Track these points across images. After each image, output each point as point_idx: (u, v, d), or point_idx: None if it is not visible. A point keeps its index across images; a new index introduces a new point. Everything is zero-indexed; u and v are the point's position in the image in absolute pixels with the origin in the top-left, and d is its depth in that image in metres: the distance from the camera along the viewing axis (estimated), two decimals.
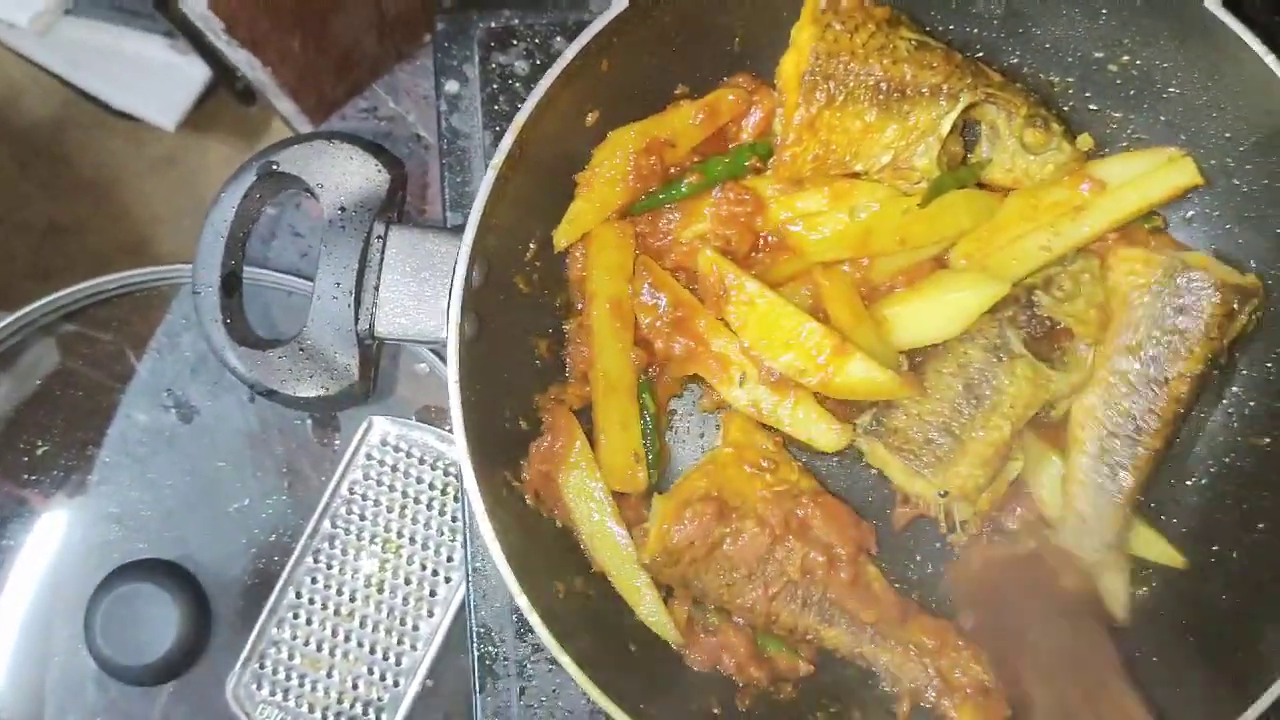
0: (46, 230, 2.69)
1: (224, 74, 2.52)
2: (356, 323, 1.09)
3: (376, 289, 1.10)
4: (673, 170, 1.23)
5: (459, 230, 1.10)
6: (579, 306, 1.25)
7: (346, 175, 1.10)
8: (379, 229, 1.10)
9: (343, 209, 1.10)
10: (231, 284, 1.10)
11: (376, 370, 1.14)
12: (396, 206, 1.13)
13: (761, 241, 1.25)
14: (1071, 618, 1.16)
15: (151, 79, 2.56)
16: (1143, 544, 1.22)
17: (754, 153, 1.24)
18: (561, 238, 1.21)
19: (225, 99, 2.60)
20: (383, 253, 1.11)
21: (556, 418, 1.19)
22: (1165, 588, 1.23)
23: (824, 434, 1.20)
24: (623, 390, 1.19)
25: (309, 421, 1.44)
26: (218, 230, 1.09)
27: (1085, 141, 1.23)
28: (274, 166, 1.10)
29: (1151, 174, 1.21)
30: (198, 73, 2.54)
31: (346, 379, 1.10)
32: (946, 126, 1.18)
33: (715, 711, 1.19)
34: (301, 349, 1.09)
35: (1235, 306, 1.16)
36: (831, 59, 1.16)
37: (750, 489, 1.17)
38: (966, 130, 1.24)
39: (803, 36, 1.18)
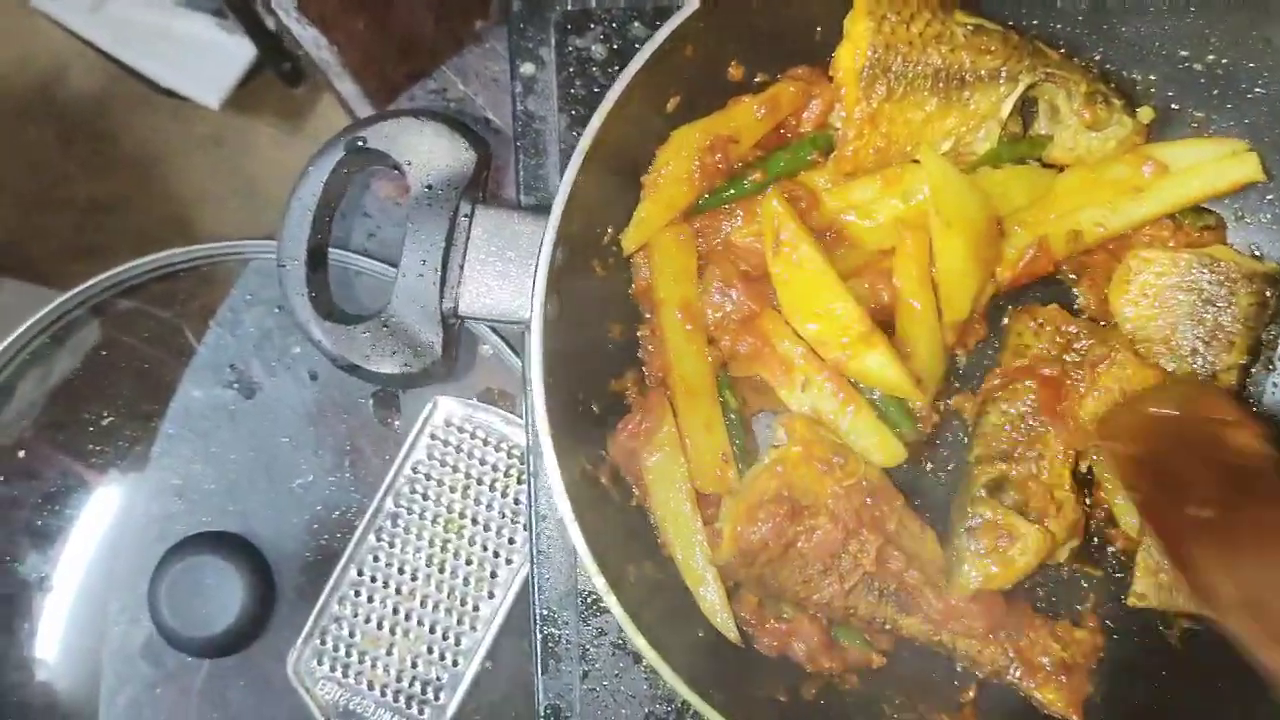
0: (89, 208, 2.70)
1: (271, 55, 2.52)
2: (441, 301, 1.09)
3: (461, 268, 1.11)
4: (736, 166, 1.23)
5: (544, 211, 1.10)
6: (648, 316, 1.24)
7: (434, 153, 1.10)
8: (465, 208, 1.10)
9: (430, 187, 1.10)
10: (317, 258, 1.10)
11: (458, 349, 1.14)
12: (481, 186, 1.13)
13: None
14: (1248, 485, 1.06)
15: (197, 57, 2.57)
16: None
17: (814, 146, 1.23)
18: (630, 241, 1.20)
19: (270, 80, 2.60)
20: (469, 232, 1.11)
21: (650, 398, 1.19)
22: None
23: (879, 447, 1.19)
24: (703, 394, 1.19)
25: (370, 401, 1.45)
26: (305, 204, 1.09)
27: (1146, 114, 1.23)
28: (361, 142, 1.10)
29: (1215, 163, 1.21)
30: (243, 52, 2.55)
31: (429, 356, 1.10)
32: (1008, 109, 1.18)
33: (781, 699, 1.19)
34: (385, 325, 1.09)
35: (1267, 295, 1.18)
36: (890, 51, 1.16)
37: (821, 486, 1.16)
38: (1024, 108, 1.23)
39: (857, 29, 1.17)
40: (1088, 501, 1.23)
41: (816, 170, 1.23)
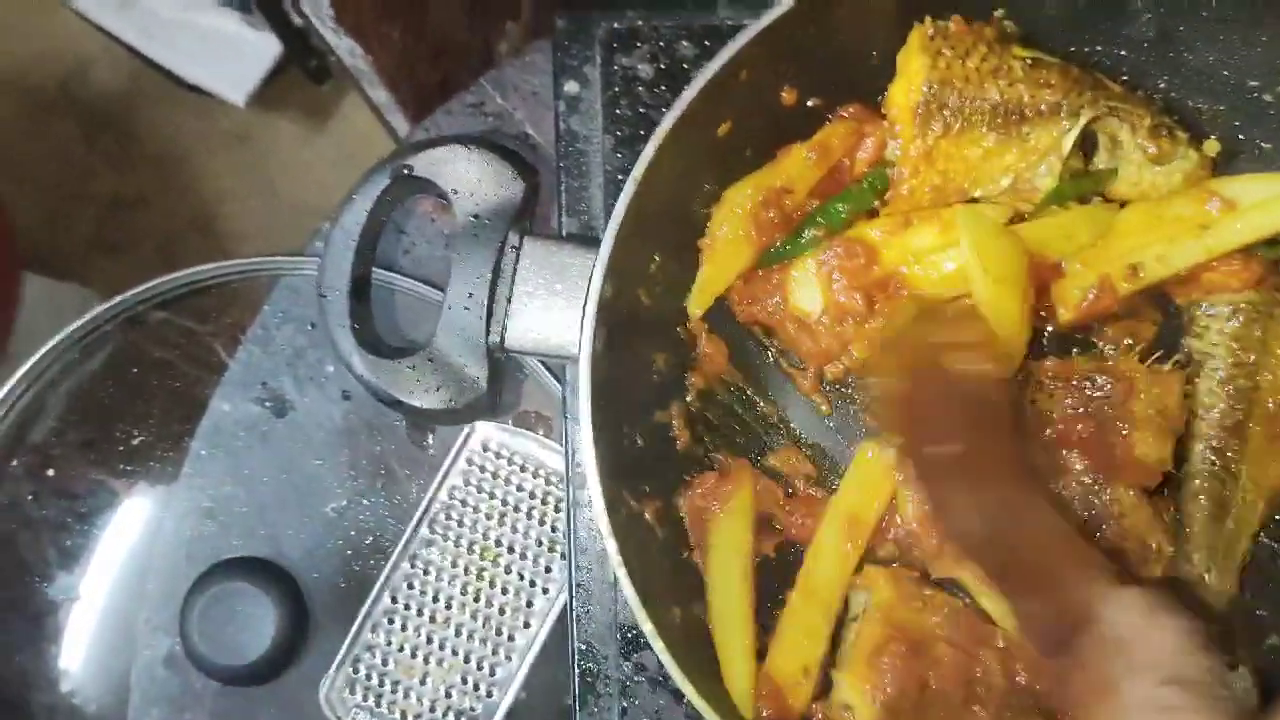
0: (112, 203, 2.67)
1: (297, 52, 2.50)
2: (488, 335, 1.06)
3: (509, 300, 1.08)
4: (795, 215, 1.19)
5: (592, 242, 1.07)
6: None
7: (482, 182, 1.07)
8: (513, 239, 1.07)
9: (476, 217, 1.07)
10: (360, 288, 1.08)
11: (503, 384, 1.11)
12: (529, 216, 1.10)
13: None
14: (980, 414, 0.99)
15: (223, 53, 2.54)
16: None
17: (872, 190, 1.19)
18: (695, 305, 1.18)
19: (295, 77, 2.58)
20: (516, 264, 1.08)
21: (736, 466, 1.17)
22: None
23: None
24: (825, 602, 1.14)
25: (404, 422, 1.42)
26: (349, 233, 1.06)
27: (1212, 147, 1.18)
28: (408, 170, 1.07)
29: None
30: (269, 48, 2.53)
31: (474, 392, 1.07)
32: (1069, 144, 1.14)
33: None
34: (430, 359, 1.07)
35: None
36: (945, 87, 1.12)
37: (923, 620, 1.12)
38: (1084, 142, 1.19)
39: (912, 65, 1.14)
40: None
41: (866, 224, 1.19)
